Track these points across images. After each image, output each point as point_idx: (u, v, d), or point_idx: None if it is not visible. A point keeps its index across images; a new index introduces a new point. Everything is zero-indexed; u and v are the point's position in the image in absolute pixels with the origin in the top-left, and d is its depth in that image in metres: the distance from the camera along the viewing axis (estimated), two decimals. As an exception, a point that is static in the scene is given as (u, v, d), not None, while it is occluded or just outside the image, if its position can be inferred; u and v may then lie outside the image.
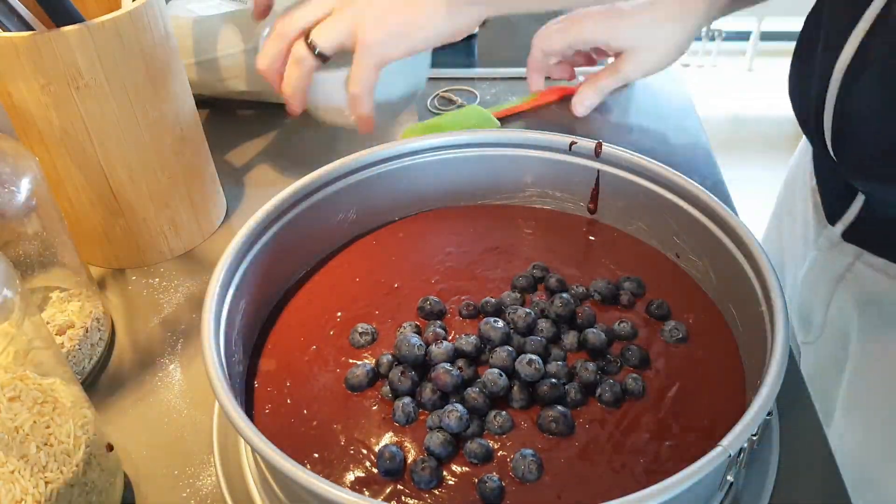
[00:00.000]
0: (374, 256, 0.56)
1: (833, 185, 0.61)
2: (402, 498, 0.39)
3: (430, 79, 0.84)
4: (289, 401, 0.45)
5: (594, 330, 0.47)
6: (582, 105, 0.74)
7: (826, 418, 0.51)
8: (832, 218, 0.60)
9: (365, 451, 0.42)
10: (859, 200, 0.56)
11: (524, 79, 0.86)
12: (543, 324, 0.48)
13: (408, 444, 0.42)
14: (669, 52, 0.69)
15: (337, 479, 0.40)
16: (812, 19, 0.58)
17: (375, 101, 0.57)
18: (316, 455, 0.42)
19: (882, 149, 0.50)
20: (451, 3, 0.54)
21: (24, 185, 0.47)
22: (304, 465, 0.36)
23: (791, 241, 0.70)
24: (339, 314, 0.51)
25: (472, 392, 0.43)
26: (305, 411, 0.44)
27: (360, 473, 0.41)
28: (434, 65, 0.84)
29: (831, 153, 0.54)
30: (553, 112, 0.80)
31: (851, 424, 0.60)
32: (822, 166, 0.63)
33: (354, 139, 0.68)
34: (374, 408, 0.44)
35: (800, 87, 0.58)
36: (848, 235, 0.59)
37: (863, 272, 0.58)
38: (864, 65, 0.49)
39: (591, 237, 0.57)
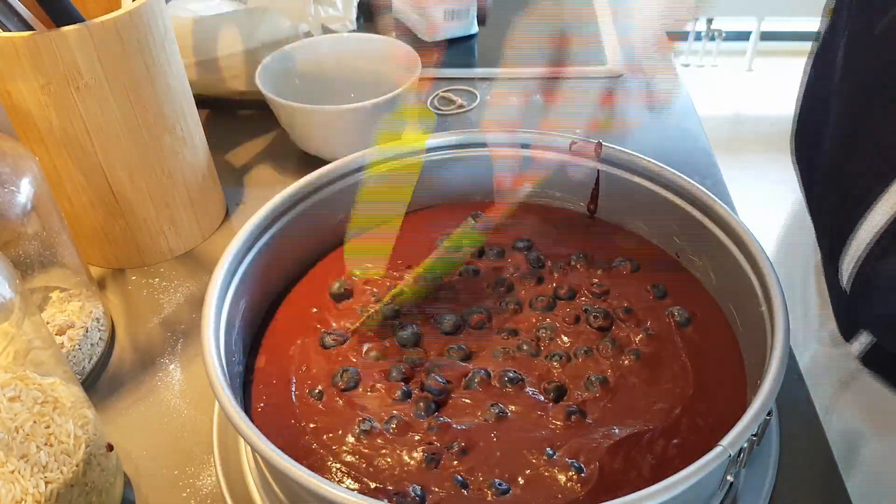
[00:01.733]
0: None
1: (843, 298, 0.48)
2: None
3: (430, 79, 0.84)
4: (280, 400, 0.45)
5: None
6: None
7: (826, 416, 0.50)
8: (846, 332, 0.51)
9: (353, 460, 0.42)
10: None
11: (524, 79, 0.86)
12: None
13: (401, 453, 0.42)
14: None
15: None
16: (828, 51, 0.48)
17: None
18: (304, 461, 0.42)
19: None
20: None
21: (24, 185, 0.47)
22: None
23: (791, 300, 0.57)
24: (314, 310, 0.51)
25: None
26: (297, 411, 0.44)
27: (351, 484, 0.40)
28: (433, 65, 0.84)
29: (844, 288, 0.45)
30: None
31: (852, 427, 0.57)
32: (831, 275, 0.51)
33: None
34: (358, 410, 0.44)
35: (809, 167, 0.49)
36: (867, 360, 0.49)
37: (870, 382, 0.51)
38: None
39: (591, 228, 0.57)
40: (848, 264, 0.44)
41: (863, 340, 0.49)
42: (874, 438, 0.51)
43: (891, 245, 0.41)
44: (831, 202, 0.47)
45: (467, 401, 0.44)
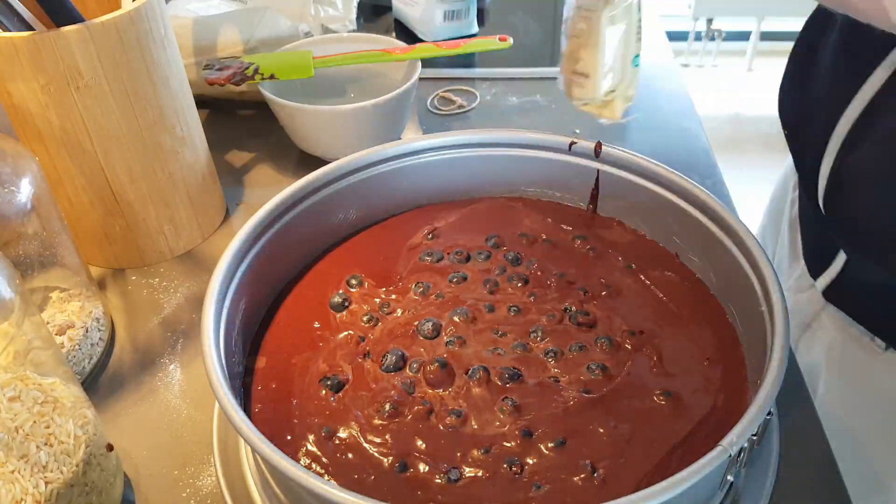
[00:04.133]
0: (371, 249, 0.56)
1: (816, 232, 0.57)
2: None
3: (430, 79, 0.84)
4: (279, 400, 0.45)
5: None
6: None
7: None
8: (814, 271, 0.57)
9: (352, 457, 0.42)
10: (843, 255, 0.53)
11: (524, 79, 0.86)
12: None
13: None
14: None
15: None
16: (815, 28, 0.53)
17: None
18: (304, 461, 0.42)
19: (877, 221, 0.45)
20: None
21: (24, 185, 0.47)
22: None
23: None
24: (315, 324, 0.51)
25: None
26: (296, 412, 0.44)
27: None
28: (433, 65, 0.84)
29: (821, 207, 0.51)
30: (553, 111, 0.80)
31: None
32: (808, 210, 0.59)
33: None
34: (357, 411, 0.44)
35: (795, 113, 0.55)
36: (829, 295, 0.56)
37: (826, 324, 0.57)
38: (873, 122, 0.44)
39: (590, 228, 0.57)
40: (824, 172, 0.49)
41: (827, 277, 0.56)
42: (830, 372, 0.57)
43: (861, 135, 0.46)
44: (813, 128, 0.51)
45: (475, 400, 0.44)
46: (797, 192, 0.64)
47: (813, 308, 0.58)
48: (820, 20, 0.54)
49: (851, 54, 0.47)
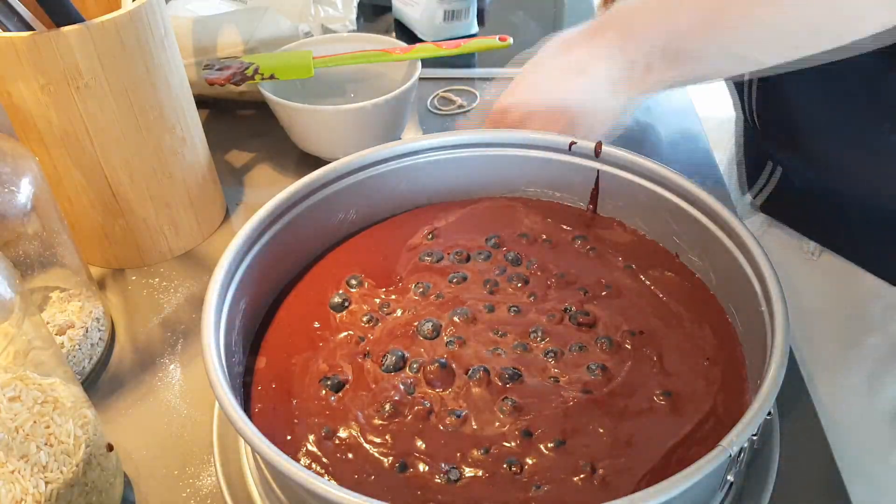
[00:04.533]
0: (371, 249, 0.56)
1: (752, 148, 0.65)
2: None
3: (430, 79, 0.84)
4: (279, 400, 0.45)
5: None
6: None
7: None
8: (751, 182, 0.64)
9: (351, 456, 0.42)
10: (778, 171, 0.61)
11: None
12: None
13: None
14: None
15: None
16: None
17: None
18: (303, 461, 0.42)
19: (799, 125, 0.53)
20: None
21: (24, 185, 0.47)
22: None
23: None
24: (315, 324, 0.51)
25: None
26: (296, 412, 0.44)
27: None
28: (433, 65, 0.84)
29: (755, 121, 0.58)
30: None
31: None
32: (746, 132, 0.67)
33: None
34: (357, 411, 0.44)
35: None
36: (766, 208, 0.63)
37: (767, 242, 0.61)
38: None
39: (590, 228, 0.57)
40: (753, 89, 0.58)
41: (765, 193, 0.64)
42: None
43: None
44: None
45: (475, 400, 0.44)
46: (740, 127, 0.71)
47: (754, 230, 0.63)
48: None
49: None
